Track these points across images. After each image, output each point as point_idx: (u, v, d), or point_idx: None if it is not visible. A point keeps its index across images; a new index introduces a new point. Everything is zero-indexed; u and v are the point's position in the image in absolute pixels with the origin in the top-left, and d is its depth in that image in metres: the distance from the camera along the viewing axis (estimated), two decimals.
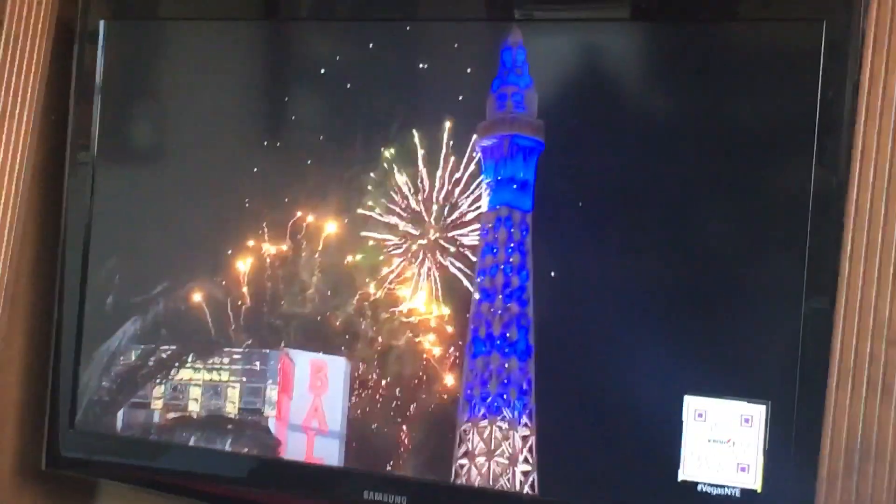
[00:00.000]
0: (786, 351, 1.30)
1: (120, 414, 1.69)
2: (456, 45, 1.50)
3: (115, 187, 1.71)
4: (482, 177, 1.50)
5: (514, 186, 1.47)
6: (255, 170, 1.62)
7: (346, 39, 1.58)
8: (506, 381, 1.48)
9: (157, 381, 1.67)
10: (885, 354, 1.24)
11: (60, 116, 1.72)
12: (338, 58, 1.57)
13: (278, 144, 1.64)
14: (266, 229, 1.60)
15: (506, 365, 1.48)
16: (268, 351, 1.63)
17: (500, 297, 1.49)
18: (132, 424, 1.69)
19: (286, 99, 1.64)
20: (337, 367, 1.60)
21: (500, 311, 1.49)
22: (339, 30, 1.59)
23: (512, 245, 1.47)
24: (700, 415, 1.34)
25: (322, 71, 1.57)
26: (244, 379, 1.65)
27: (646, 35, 1.44)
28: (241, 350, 1.65)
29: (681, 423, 1.35)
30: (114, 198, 1.71)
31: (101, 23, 1.68)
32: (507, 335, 1.48)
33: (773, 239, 1.33)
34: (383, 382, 1.56)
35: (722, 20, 1.38)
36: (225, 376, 1.66)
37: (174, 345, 1.67)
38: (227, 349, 1.65)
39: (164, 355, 1.67)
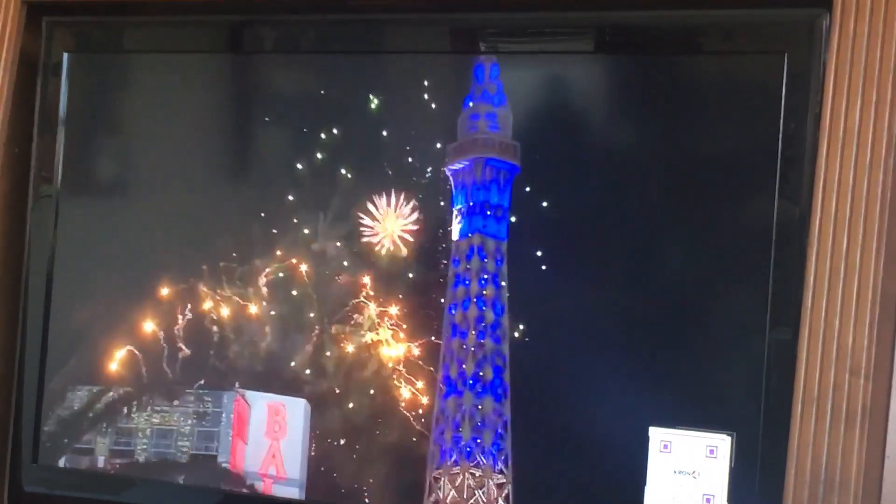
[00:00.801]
0: (750, 381, 1.30)
1: (90, 442, 1.67)
2: (420, 77, 1.49)
3: (79, 220, 1.70)
4: (453, 203, 1.46)
5: (488, 213, 1.44)
6: (218, 203, 1.61)
7: (311, 72, 1.57)
8: (480, 423, 1.44)
9: (112, 420, 1.65)
10: (848, 384, 1.24)
11: (24, 149, 1.70)
12: (301, 91, 1.56)
13: (241, 178, 1.63)
14: (226, 264, 1.59)
15: (479, 406, 1.44)
16: (221, 392, 1.58)
17: (473, 332, 1.44)
18: (92, 461, 1.67)
19: (250, 132, 1.64)
20: (296, 410, 1.53)
21: (472, 348, 1.44)
22: (302, 63, 1.59)
23: (485, 276, 1.43)
24: (665, 446, 1.34)
25: (286, 104, 1.57)
26: (195, 422, 1.58)
27: (610, 68, 1.44)
28: (192, 391, 1.59)
29: (647, 455, 1.35)
30: (77, 231, 1.69)
31: (65, 55, 1.67)
32: (481, 374, 1.43)
33: (736, 270, 1.34)
34: (346, 426, 1.51)
35: (685, 53, 1.39)
36: (176, 418, 1.60)
37: (127, 384, 1.64)
38: (178, 389, 1.60)
39: (116, 395, 1.65)
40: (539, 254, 1.42)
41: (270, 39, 1.62)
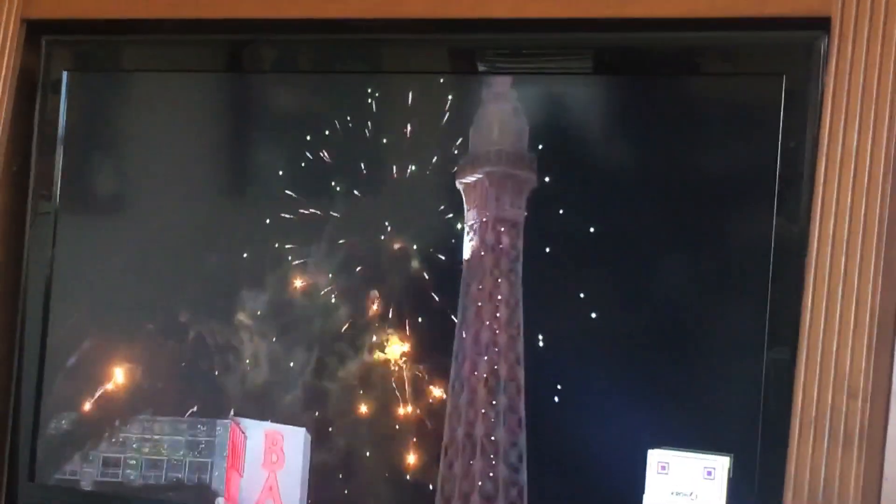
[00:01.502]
0: (748, 403, 1.30)
1: (79, 469, 1.66)
2: (417, 98, 1.49)
3: (78, 238, 1.70)
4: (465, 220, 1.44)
5: (502, 229, 1.42)
6: (218, 223, 1.61)
7: (310, 91, 1.58)
8: (492, 455, 1.41)
9: (105, 442, 1.64)
10: (846, 405, 1.24)
11: (22, 167, 1.71)
12: (301, 110, 1.57)
13: (240, 197, 1.63)
14: (226, 285, 1.58)
15: (493, 437, 1.42)
16: (216, 420, 1.53)
17: (485, 357, 1.42)
18: (86, 481, 1.66)
19: (249, 151, 1.63)
20: (295, 439, 1.47)
21: (485, 375, 1.42)
22: (302, 82, 1.59)
23: (500, 297, 1.42)
24: (663, 467, 1.34)
25: (285, 123, 1.58)
26: (188, 451, 1.53)
27: (610, 88, 1.44)
28: (184, 419, 1.55)
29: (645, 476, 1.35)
30: (76, 249, 1.69)
31: (64, 73, 1.68)
32: (494, 402, 1.41)
33: (734, 291, 1.34)
34: (349, 456, 1.47)
35: (684, 74, 1.39)
36: (168, 448, 1.55)
37: (121, 405, 1.63)
38: (171, 416, 1.57)
39: (108, 416, 1.64)
40: (552, 271, 1.41)
41: (269, 59, 1.62)
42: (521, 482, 1.40)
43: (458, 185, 1.45)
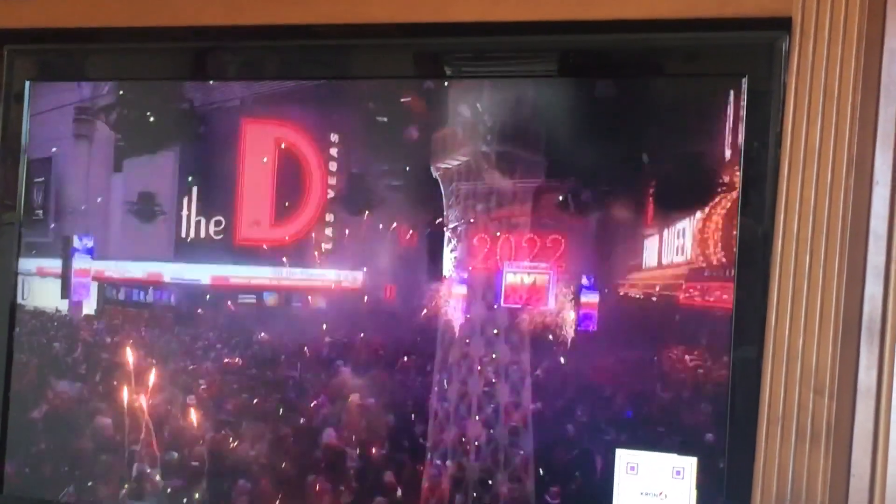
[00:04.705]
0: (716, 402, 1.30)
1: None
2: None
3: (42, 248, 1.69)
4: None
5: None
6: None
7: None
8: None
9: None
10: (812, 402, 1.25)
11: None
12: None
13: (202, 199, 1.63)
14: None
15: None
16: None
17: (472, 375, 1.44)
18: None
19: (212, 159, 1.63)
20: None
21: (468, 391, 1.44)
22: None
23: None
24: (632, 468, 1.34)
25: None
26: None
27: (576, 90, 1.44)
28: None
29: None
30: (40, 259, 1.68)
31: (27, 83, 1.66)
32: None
33: (700, 289, 1.34)
34: None
35: (647, 75, 1.40)
36: None
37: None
38: None
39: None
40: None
41: (233, 66, 1.62)
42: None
43: (436, 174, 1.46)
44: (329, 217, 1.51)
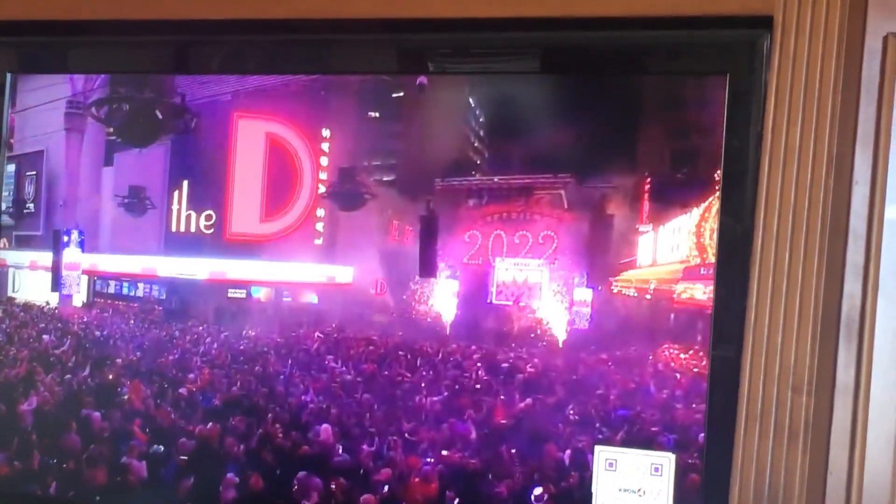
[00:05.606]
0: (694, 399, 1.31)
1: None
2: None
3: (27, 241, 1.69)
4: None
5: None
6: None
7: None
8: None
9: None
10: (790, 400, 1.25)
11: None
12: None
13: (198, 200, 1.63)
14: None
15: None
16: None
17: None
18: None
19: (199, 151, 1.63)
20: None
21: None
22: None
23: None
24: (611, 464, 1.34)
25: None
26: None
27: (559, 87, 1.45)
28: None
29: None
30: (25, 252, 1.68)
31: (8, 76, 1.66)
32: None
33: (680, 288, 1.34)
34: None
35: (630, 73, 1.40)
36: None
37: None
38: None
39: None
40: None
41: (217, 59, 1.61)
42: None
43: None
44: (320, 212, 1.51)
